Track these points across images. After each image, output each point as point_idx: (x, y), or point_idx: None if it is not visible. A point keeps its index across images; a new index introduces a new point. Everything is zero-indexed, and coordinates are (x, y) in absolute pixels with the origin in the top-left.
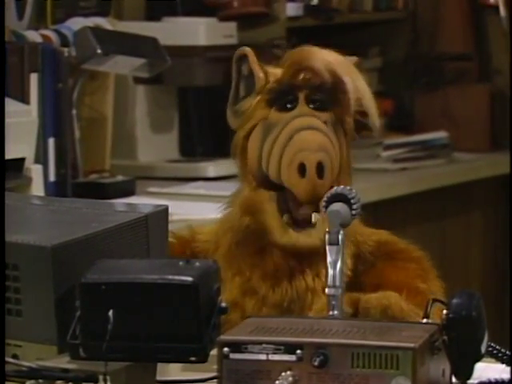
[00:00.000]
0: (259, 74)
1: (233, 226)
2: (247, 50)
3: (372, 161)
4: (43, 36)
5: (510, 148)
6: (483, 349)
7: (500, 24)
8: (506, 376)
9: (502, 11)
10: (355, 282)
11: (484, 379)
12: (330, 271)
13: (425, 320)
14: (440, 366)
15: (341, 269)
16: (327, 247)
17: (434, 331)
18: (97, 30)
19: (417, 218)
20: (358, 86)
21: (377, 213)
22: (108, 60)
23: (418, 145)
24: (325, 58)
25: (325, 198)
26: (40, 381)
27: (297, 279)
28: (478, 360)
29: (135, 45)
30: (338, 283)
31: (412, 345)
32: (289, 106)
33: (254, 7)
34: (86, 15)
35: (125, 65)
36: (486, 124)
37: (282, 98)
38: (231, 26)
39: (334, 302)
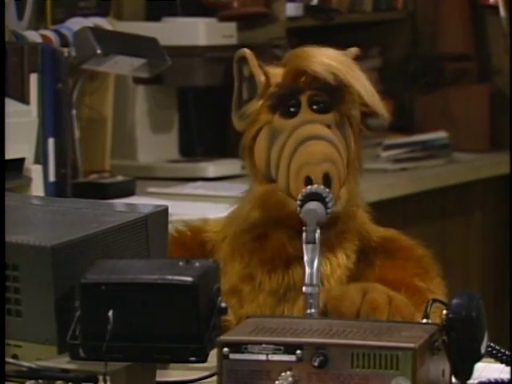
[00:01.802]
0: (260, 77)
1: (240, 216)
2: (247, 52)
3: (372, 161)
4: (43, 36)
5: (510, 148)
6: (483, 349)
7: (500, 24)
8: (505, 376)
9: (502, 11)
10: (357, 278)
11: (484, 379)
12: (308, 269)
13: (425, 320)
14: (440, 366)
15: (318, 267)
16: (304, 246)
17: (434, 331)
18: (97, 30)
19: (417, 218)
20: (359, 83)
21: (377, 213)
22: (108, 60)
23: (418, 145)
24: (324, 61)
25: (300, 197)
26: (40, 381)
27: (293, 267)
28: (478, 360)
29: (135, 45)
30: (315, 281)
31: (412, 345)
32: (292, 109)
33: (253, 7)
34: (85, 15)
35: (125, 65)
36: (486, 124)
37: (285, 102)
38: (231, 26)
39: (311, 301)
